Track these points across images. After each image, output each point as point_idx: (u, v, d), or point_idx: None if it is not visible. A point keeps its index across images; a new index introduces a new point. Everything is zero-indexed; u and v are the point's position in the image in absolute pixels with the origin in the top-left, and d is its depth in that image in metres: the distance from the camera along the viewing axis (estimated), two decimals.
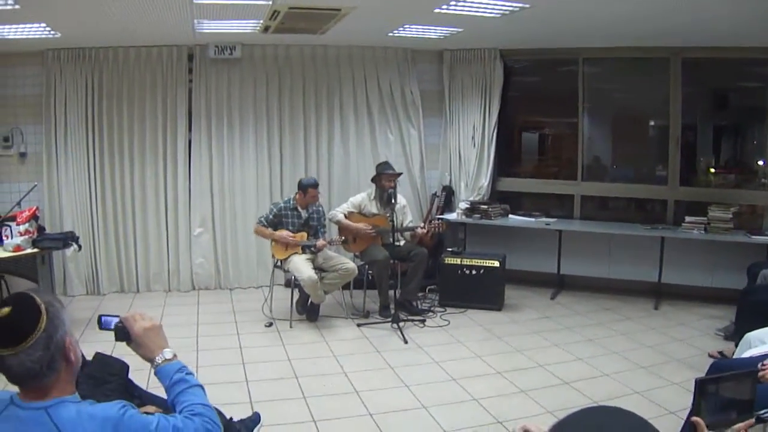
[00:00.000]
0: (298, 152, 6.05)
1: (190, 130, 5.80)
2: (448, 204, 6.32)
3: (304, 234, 4.96)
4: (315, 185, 4.95)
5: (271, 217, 4.95)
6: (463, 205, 6.02)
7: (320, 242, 4.84)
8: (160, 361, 1.52)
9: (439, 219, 5.47)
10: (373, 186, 5.24)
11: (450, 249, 5.64)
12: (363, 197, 5.27)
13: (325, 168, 6.14)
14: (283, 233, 4.85)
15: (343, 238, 5.02)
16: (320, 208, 5.08)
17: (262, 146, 5.97)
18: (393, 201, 4.92)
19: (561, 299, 5.87)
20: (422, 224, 5.32)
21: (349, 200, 5.35)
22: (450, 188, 6.37)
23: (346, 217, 5.15)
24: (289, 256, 4.90)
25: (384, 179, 5.09)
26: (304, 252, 4.92)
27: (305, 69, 5.98)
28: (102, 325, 1.56)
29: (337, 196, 6.09)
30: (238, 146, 5.92)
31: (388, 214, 5.00)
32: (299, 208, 4.95)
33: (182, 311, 5.39)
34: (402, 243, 5.22)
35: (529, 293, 5.95)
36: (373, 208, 5.21)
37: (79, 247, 4.90)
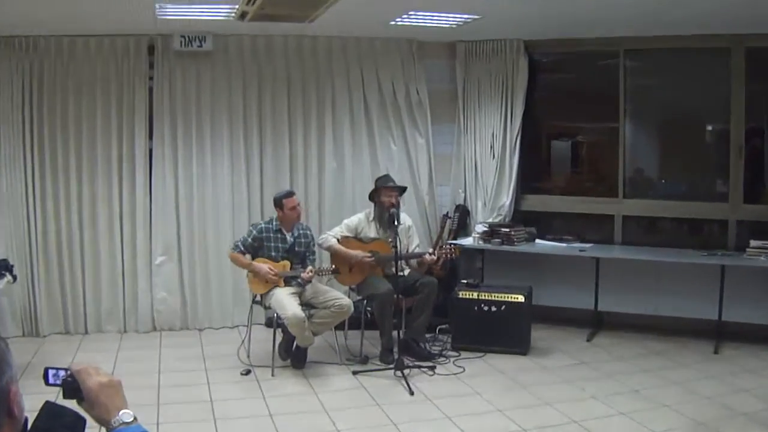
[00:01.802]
0: (282, 164, 6.12)
1: (150, 137, 5.86)
2: (463, 227, 6.43)
3: (287, 263, 5.01)
4: (290, 194, 5.04)
5: (249, 240, 5.00)
6: (480, 228, 6.08)
7: (306, 273, 4.87)
8: (116, 425, 1.48)
9: (451, 244, 5.53)
10: (372, 205, 5.33)
11: (465, 281, 5.69)
12: (360, 218, 5.34)
13: (314, 183, 6.20)
14: (263, 267, 4.89)
15: (334, 267, 5.07)
16: (308, 232, 5.16)
17: (238, 156, 6.04)
18: (396, 222, 4.98)
19: (599, 341, 5.92)
20: (431, 250, 5.37)
21: (343, 222, 5.38)
22: (465, 208, 6.49)
23: (339, 242, 5.19)
24: (270, 290, 4.93)
25: (384, 194, 5.19)
26: (288, 284, 4.96)
27: (290, 64, 6.06)
28: (48, 380, 1.52)
29: (328, 218, 6.15)
30: (210, 156, 6.00)
31: (390, 239, 5.03)
32: (284, 231, 5.01)
33: (140, 357, 5.42)
34: (407, 272, 5.28)
35: (561, 334, 6.02)
36: (371, 231, 5.29)
37: (14, 278, 4.92)
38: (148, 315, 5.97)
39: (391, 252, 5.01)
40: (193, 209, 5.98)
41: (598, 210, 6.32)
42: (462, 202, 6.50)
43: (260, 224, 5.07)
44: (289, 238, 4.98)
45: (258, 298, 5.13)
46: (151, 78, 5.78)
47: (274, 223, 5.03)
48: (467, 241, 6.11)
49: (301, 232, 5.06)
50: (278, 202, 4.99)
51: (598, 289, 5.94)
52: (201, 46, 5.69)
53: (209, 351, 5.56)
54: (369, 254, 5.18)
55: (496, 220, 6.24)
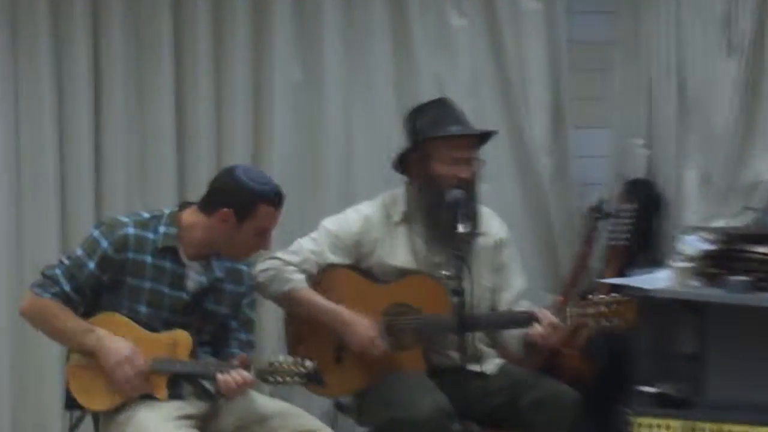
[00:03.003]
0: (185, 108, 4.37)
1: None
2: (646, 239, 4.34)
3: (181, 338, 3.19)
4: (272, 195, 3.26)
5: (90, 267, 3.25)
6: (694, 246, 3.96)
7: (227, 374, 3.13)
8: None
9: (613, 296, 3.51)
10: (400, 184, 3.68)
11: (648, 388, 4.00)
12: (366, 217, 3.55)
13: (241, 128, 4.36)
14: (119, 346, 3.14)
15: (301, 356, 3.24)
16: (244, 268, 3.42)
17: (76, 96, 4.33)
18: (462, 225, 3.25)
19: None
20: (557, 298, 3.69)
21: (322, 227, 3.55)
22: (648, 189, 4.34)
23: (314, 281, 3.54)
24: (125, 407, 3.16)
25: (438, 155, 3.45)
26: (177, 394, 3.27)
27: None
28: None
29: (290, 216, 4.03)
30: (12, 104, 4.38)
31: (446, 270, 3.25)
32: (183, 257, 3.29)
33: None
34: (491, 366, 3.53)
35: None
36: (397, 249, 3.56)
37: None
38: None
39: (447, 308, 3.32)
40: None
41: None
42: (643, 176, 4.38)
43: (126, 226, 3.28)
44: (194, 275, 3.27)
45: (98, 420, 3.39)
46: None
47: (162, 229, 3.22)
48: (658, 280, 3.97)
49: (228, 266, 3.36)
50: (247, 205, 3.19)
51: None
52: None
53: None
54: (389, 317, 3.46)
55: (738, 222, 4.04)
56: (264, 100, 4.32)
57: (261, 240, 3.16)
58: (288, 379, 3.05)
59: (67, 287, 3.09)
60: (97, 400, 3.13)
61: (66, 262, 3.13)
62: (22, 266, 4.12)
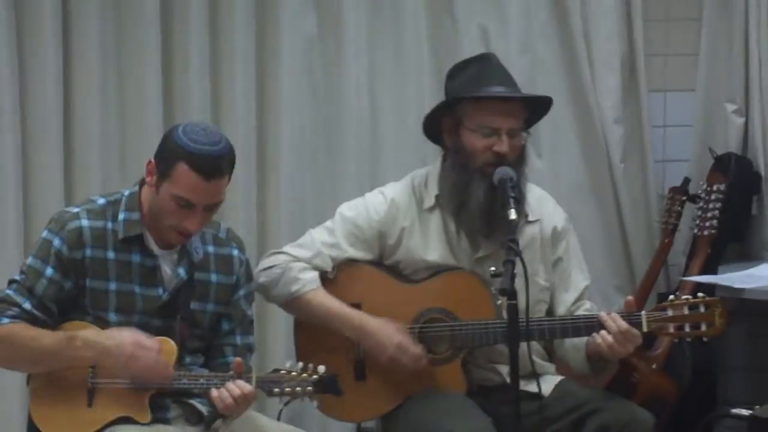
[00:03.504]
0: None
1: None
2: (742, 229, 4.14)
3: (165, 346, 2.90)
4: (202, 148, 2.90)
5: (46, 279, 2.96)
6: None
7: (230, 389, 2.83)
8: None
9: (699, 296, 3.18)
10: (435, 160, 3.41)
11: (743, 411, 3.60)
12: (393, 201, 3.28)
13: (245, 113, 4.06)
14: (126, 333, 2.93)
15: (315, 371, 2.92)
16: (234, 253, 3.10)
17: (39, 52, 4.03)
18: (511, 208, 2.88)
19: None
20: (628, 299, 3.23)
21: (339, 213, 3.27)
22: (744, 164, 4.11)
23: (330, 280, 3.29)
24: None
25: (469, 119, 3.13)
26: (163, 417, 3.00)
27: None
28: None
29: (287, 205, 4.14)
30: None
31: (492, 266, 2.83)
32: (151, 245, 3.03)
33: None
34: (550, 385, 3.19)
35: None
36: (431, 239, 3.29)
37: None
38: None
39: (492, 312, 3.13)
40: None
41: None
42: (734, 149, 4.07)
43: (77, 218, 2.97)
44: (169, 267, 3.00)
45: None
46: None
47: (123, 215, 2.94)
48: (754, 277, 3.74)
49: (213, 252, 3.06)
50: (167, 159, 2.91)
51: None
52: None
53: None
54: (421, 324, 3.21)
55: None
56: (270, 59, 4.04)
57: (183, 214, 2.82)
58: (298, 389, 2.76)
59: (26, 305, 2.83)
60: (69, 426, 2.85)
61: (18, 278, 2.87)
62: None
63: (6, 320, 2.78)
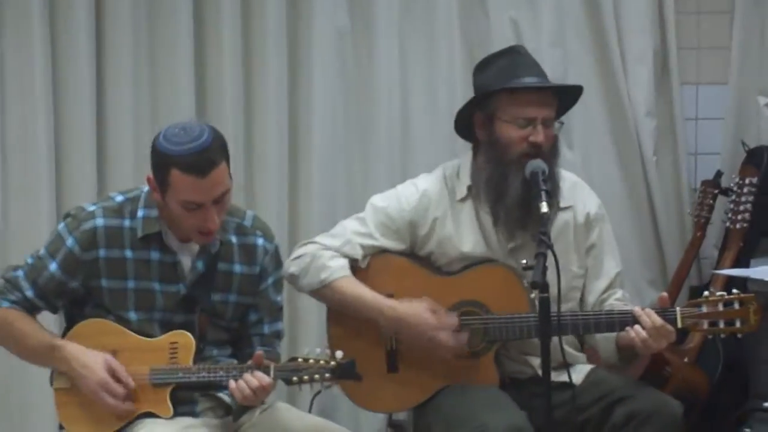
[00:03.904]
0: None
1: None
2: None
3: (182, 339, 2.91)
4: (197, 148, 2.89)
5: (48, 273, 2.99)
6: None
7: (248, 380, 2.84)
8: None
9: (734, 293, 3.18)
10: (466, 152, 3.39)
11: None
12: (425, 192, 3.30)
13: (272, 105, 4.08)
14: (93, 365, 2.91)
15: (335, 355, 2.95)
16: (260, 241, 3.09)
17: (72, 47, 4.00)
18: (543, 201, 2.95)
19: None
20: (662, 295, 3.23)
21: (371, 203, 3.29)
22: None
23: (359, 269, 3.29)
24: (126, 429, 2.93)
25: (503, 110, 3.15)
26: (186, 408, 2.99)
27: None
28: None
29: (320, 200, 4.13)
30: None
31: (524, 259, 2.93)
32: (167, 238, 3.01)
33: None
34: (581, 374, 3.22)
35: None
36: (463, 230, 3.29)
37: None
38: None
39: (526, 304, 3.15)
40: None
41: None
42: (767, 142, 4.16)
43: (93, 217, 2.95)
44: (188, 261, 2.99)
45: None
46: None
47: (141, 213, 2.95)
48: None
49: (236, 242, 3.05)
50: (161, 172, 2.90)
51: None
52: None
53: None
54: (454, 315, 3.18)
55: None
56: (302, 52, 4.05)
57: (195, 217, 2.82)
58: (316, 376, 2.77)
59: (29, 293, 2.88)
60: (88, 429, 2.90)
61: (30, 261, 2.91)
62: (7, 260, 3.68)
63: (6, 304, 2.84)
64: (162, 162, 2.77)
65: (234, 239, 2.98)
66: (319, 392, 3.03)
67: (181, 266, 2.90)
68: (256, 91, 4.04)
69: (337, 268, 3.11)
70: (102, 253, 2.84)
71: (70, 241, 2.84)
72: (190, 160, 2.73)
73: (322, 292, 3.17)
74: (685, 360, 3.73)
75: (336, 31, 4.08)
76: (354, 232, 3.16)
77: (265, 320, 3.01)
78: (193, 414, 2.83)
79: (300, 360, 2.79)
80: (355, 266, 3.15)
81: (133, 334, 2.88)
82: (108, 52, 4.01)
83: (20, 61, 3.93)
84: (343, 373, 2.81)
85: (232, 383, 2.73)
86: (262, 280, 3.00)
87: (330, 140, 4.12)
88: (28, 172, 3.94)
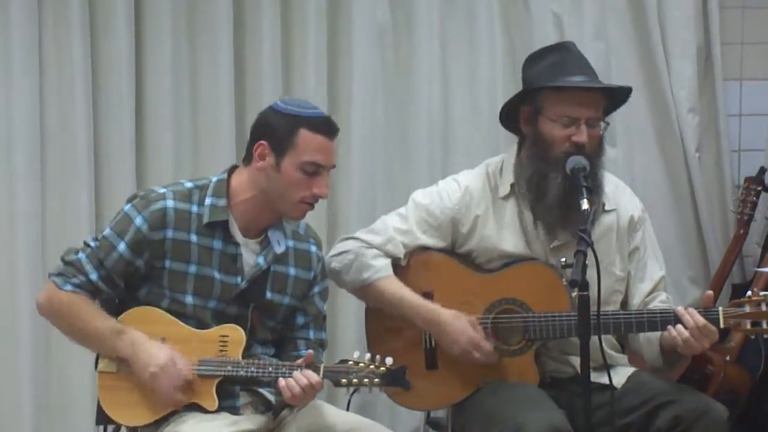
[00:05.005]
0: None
1: None
2: None
3: (234, 334, 2.92)
4: (321, 121, 2.92)
5: (117, 254, 2.96)
6: None
7: (298, 378, 2.83)
8: None
9: None
10: (510, 148, 3.39)
11: None
12: (467, 188, 3.27)
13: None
14: (156, 351, 2.89)
15: (383, 362, 2.91)
16: (312, 249, 3.12)
17: (112, 39, 4.00)
18: (584, 197, 2.90)
19: None
20: (705, 301, 3.19)
21: (412, 200, 3.29)
22: None
23: (403, 269, 3.29)
24: (170, 417, 2.90)
25: (550, 108, 3.13)
26: (232, 406, 2.99)
27: None
28: None
29: (359, 195, 4.12)
30: None
31: (564, 257, 2.89)
32: (234, 232, 3.02)
33: None
34: (623, 376, 3.21)
35: None
36: (506, 228, 3.29)
37: None
38: None
39: (566, 304, 3.10)
40: None
41: None
42: None
43: (163, 198, 2.98)
44: (250, 256, 2.99)
45: None
46: None
47: (209, 201, 2.95)
48: None
49: (293, 246, 3.06)
50: (285, 132, 2.88)
51: None
52: None
53: None
54: (494, 314, 3.20)
55: None
56: (341, 47, 4.02)
57: (311, 182, 2.84)
58: (365, 380, 2.75)
59: (93, 275, 2.84)
60: (132, 415, 2.88)
61: (92, 244, 2.86)
62: (45, 253, 3.84)
63: (69, 287, 2.84)
64: (289, 123, 2.80)
65: (291, 243, 3.01)
66: (356, 390, 3.06)
67: (241, 260, 2.91)
68: (296, 87, 4.00)
69: (380, 268, 3.12)
70: (170, 233, 2.86)
71: (139, 220, 2.85)
72: (320, 122, 2.80)
73: (364, 291, 3.19)
74: (727, 358, 3.70)
75: (376, 26, 4.07)
76: (395, 229, 3.16)
77: (311, 326, 3.03)
78: (234, 408, 2.83)
79: (350, 363, 2.79)
80: (395, 263, 3.16)
81: (182, 323, 2.89)
82: (147, 51, 4.00)
83: (60, 57, 3.91)
84: (393, 380, 2.82)
85: (281, 381, 2.74)
86: (313, 286, 3.03)
87: (370, 136, 4.09)
88: (66, 168, 3.93)
